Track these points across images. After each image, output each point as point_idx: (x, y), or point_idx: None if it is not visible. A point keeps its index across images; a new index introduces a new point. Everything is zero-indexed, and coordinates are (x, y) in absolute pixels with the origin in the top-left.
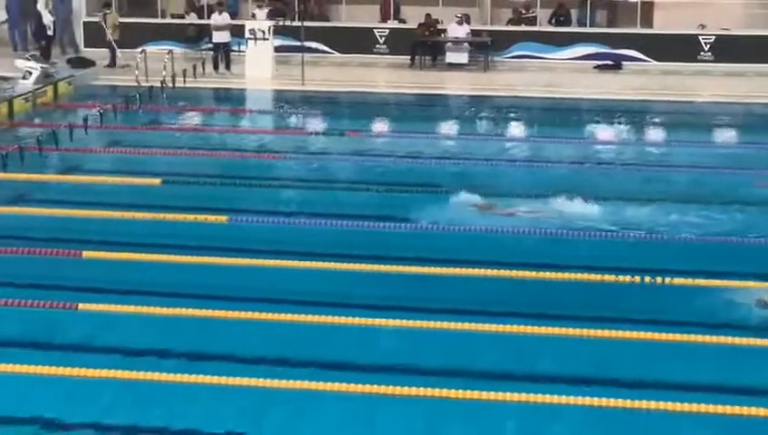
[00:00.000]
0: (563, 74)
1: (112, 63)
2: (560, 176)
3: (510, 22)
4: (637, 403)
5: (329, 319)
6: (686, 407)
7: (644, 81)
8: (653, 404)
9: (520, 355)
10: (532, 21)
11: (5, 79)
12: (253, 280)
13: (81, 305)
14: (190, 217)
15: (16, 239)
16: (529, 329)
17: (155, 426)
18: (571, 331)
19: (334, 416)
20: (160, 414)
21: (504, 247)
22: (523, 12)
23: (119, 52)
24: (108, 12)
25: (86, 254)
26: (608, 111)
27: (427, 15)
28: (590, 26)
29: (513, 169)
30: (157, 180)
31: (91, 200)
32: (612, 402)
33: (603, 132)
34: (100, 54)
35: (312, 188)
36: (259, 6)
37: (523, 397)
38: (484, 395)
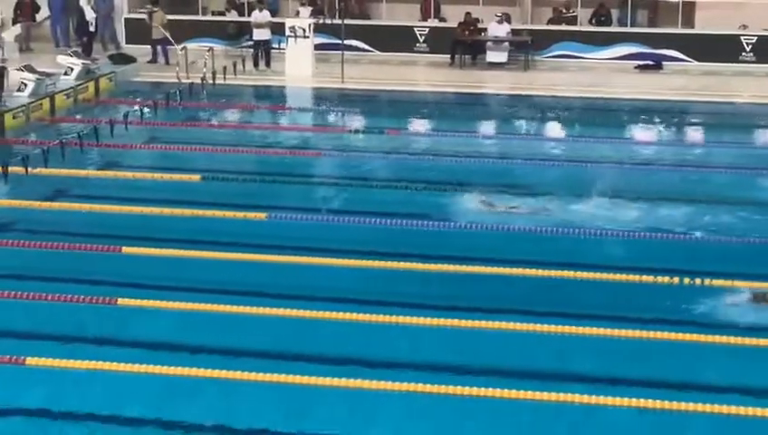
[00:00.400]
0: (603, 74)
1: (154, 60)
2: (599, 176)
3: (550, 21)
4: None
5: (366, 317)
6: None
7: (684, 81)
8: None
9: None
10: (573, 20)
11: (47, 75)
12: (291, 277)
13: (120, 300)
14: (229, 213)
15: (57, 234)
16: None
17: (191, 421)
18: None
19: (373, 413)
20: (197, 409)
21: (541, 247)
22: (564, 11)
23: (174, 48)
24: (155, 10)
25: (125, 249)
26: (648, 112)
27: (467, 14)
28: (631, 26)
29: (552, 169)
30: (196, 177)
31: (130, 196)
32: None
33: (643, 133)
34: (141, 51)
35: (351, 185)
36: (303, 4)
37: (576, 398)
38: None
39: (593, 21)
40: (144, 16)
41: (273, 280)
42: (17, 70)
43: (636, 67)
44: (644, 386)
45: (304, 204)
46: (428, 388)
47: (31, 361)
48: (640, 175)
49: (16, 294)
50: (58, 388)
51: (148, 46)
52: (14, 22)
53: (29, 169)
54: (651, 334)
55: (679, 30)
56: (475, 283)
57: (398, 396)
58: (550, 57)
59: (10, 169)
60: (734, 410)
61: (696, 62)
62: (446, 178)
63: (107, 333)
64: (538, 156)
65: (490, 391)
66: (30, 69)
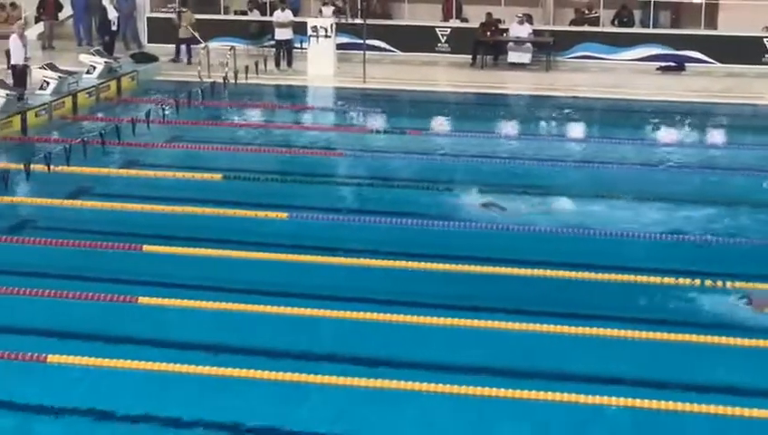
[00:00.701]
0: (626, 75)
1: (177, 59)
2: (620, 177)
3: (572, 22)
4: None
5: (387, 317)
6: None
7: (707, 83)
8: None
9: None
10: (595, 21)
11: (70, 73)
12: (311, 277)
13: (140, 299)
14: (250, 213)
15: (78, 232)
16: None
17: (210, 419)
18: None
19: (403, 413)
20: (216, 408)
21: (567, 247)
22: (586, 12)
23: (199, 47)
24: (184, 10)
25: (147, 248)
26: (670, 113)
27: (488, 15)
28: (653, 27)
29: (573, 170)
30: (218, 176)
31: (152, 195)
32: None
33: (665, 134)
34: (163, 50)
35: (372, 185)
36: (325, 3)
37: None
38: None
39: (615, 22)
40: (171, 16)
41: (294, 279)
42: (40, 68)
43: (658, 68)
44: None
45: (325, 204)
46: (460, 389)
47: (52, 358)
48: (662, 176)
49: (38, 291)
50: (79, 385)
51: (171, 45)
52: (37, 20)
53: (51, 167)
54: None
55: (702, 31)
56: (497, 283)
57: (422, 396)
58: (572, 58)
59: (32, 166)
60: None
61: (719, 64)
62: (468, 179)
63: (127, 331)
64: (558, 157)
65: (523, 393)
66: (52, 67)
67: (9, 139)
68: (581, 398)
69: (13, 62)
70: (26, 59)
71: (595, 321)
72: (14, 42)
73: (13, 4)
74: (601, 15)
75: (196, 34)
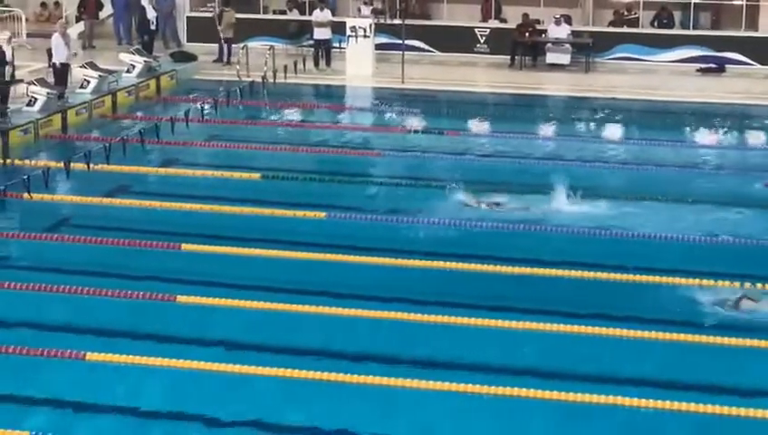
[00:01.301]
0: (665, 77)
1: (221, 59)
2: (659, 179)
3: (612, 23)
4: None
5: (425, 317)
6: None
7: (747, 84)
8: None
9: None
10: (635, 23)
11: (110, 72)
12: (349, 276)
13: (179, 297)
14: (288, 212)
15: (117, 230)
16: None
17: (247, 418)
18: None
19: (432, 413)
20: (253, 407)
21: (605, 249)
22: (626, 13)
23: (233, 48)
24: (226, 9)
25: (185, 246)
26: (709, 115)
27: (524, 15)
28: (694, 29)
29: (610, 171)
30: (256, 175)
31: (190, 193)
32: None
33: (704, 136)
34: (202, 49)
35: (410, 185)
36: (365, 3)
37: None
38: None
39: (655, 23)
40: (212, 15)
41: (331, 279)
42: (80, 67)
43: (698, 70)
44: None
45: (363, 203)
46: (504, 390)
47: (91, 356)
48: (701, 178)
49: (77, 289)
50: (117, 383)
51: (210, 44)
52: (78, 19)
53: (91, 166)
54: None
55: (743, 33)
56: (538, 284)
57: (459, 396)
58: (611, 59)
59: (73, 165)
60: None
61: (760, 66)
62: (507, 180)
63: (166, 329)
64: (596, 158)
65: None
66: (93, 66)
67: (50, 137)
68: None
69: (54, 61)
70: (70, 57)
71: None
72: (56, 40)
73: (56, 3)
74: (641, 16)
75: (225, 36)
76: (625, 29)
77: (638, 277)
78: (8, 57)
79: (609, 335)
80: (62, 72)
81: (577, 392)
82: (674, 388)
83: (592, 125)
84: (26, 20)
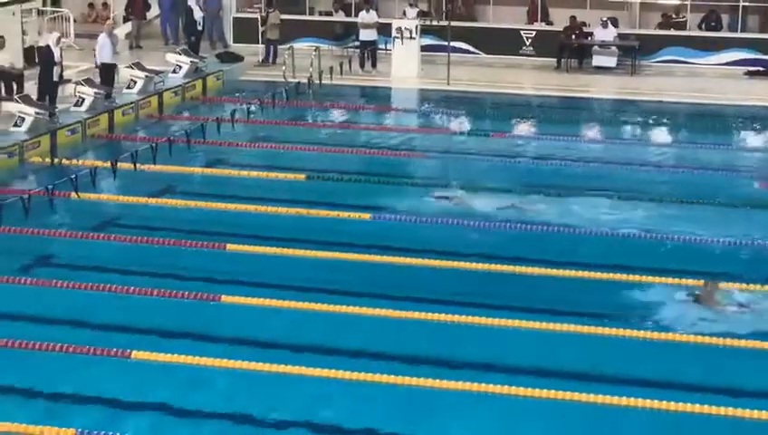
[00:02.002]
0: (713, 80)
1: (266, 60)
2: (706, 182)
3: (659, 26)
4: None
5: (466, 319)
6: None
7: None
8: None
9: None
10: (682, 25)
11: (156, 72)
12: (394, 277)
13: (224, 297)
14: (333, 213)
15: (163, 230)
16: None
17: (290, 418)
18: None
19: (475, 416)
20: (297, 406)
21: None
22: (673, 16)
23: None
24: (270, 10)
25: (230, 247)
26: (756, 119)
27: (572, 18)
28: (742, 31)
29: (656, 174)
30: (301, 176)
31: (236, 194)
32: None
33: (751, 139)
34: (248, 50)
35: (455, 187)
36: (411, 5)
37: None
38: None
39: (703, 26)
40: (258, 16)
41: (376, 280)
42: (127, 67)
43: (746, 73)
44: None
45: (408, 205)
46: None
47: (136, 354)
48: (748, 182)
49: (123, 288)
50: (162, 382)
51: (256, 45)
52: (125, 19)
53: (138, 165)
54: None
55: None
56: (575, 287)
57: (498, 398)
58: (658, 62)
59: (119, 164)
60: None
61: None
62: (552, 183)
63: (210, 329)
64: (641, 161)
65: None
66: (139, 66)
67: (97, 137)
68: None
69: (101, 61)
70: (115, 57)
71: None
72: (102, 40)
73: (104, 4)
74: (688, 19)
75: (272, 37)
76: (672, 32)
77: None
78: (57, 57)
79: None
80: (107, 73)
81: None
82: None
83: (639, 128)
84: (74, 20)
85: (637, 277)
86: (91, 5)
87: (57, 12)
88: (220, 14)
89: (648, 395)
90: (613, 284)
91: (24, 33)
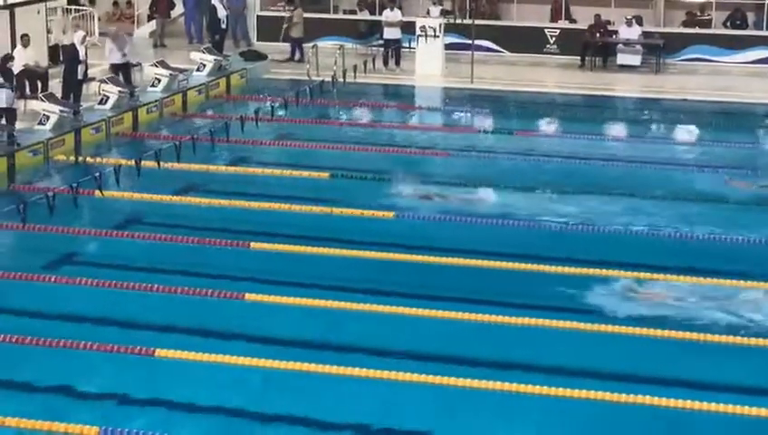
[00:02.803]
0: (738, 78)
1: (293, 58)
2: (729, 183)
3: (683, 24)
4: None
5: (492, 317)
6: None
7: None
8: None
9: None
10: (707, 23)
11: (180, 71)
12: (418, 276)
13: (247, 295)
14: (357, 211)
15: (187, 228)
16: None
17: (312, 416)
18: None
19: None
20: (319, 404)
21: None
22: (698, 14)
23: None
24: (293, 8)
25: (254, 245)
26: None
27: (597, 16)
28: (767, 29)
29: (680, 173)
30: (325, 174)
31: (259, 192)
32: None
33: None
34: (272, 48)
35: (478, 185)
36: (435, 3)
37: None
38: None
39: (728, 24)
40: (284, 14)
41: (400, 278)
42: (151, 65)
43: None
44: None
45: (431, 203)
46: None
47: (160, 352)
48: None
49: (147, 286)
50: (185, 380)
51: (280, 44)
52: (150, 18)
53: (161, 164)
54: None
55: None
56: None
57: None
58: (682, 60)
59: (143, 162)
60: None
61: None
62: (573, 181)
63: (234, 327)
64: (665, 159)
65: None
66: (164, 65)
67: (121, 135)
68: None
69: (109, 63)
70: (124, 55)
71: None
72: (108, 44)
73: (129, 2)
74: (713, 17)
75: (296, 36)
76: (697, 30)
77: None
78: (81, 56)
79: None
80: (117, 73)
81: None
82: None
83: (663, 127)
84: (99, 19)
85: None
86: (115, 4)
87: (82, 10)
88: (244, 13)
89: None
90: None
91: (48, 31)
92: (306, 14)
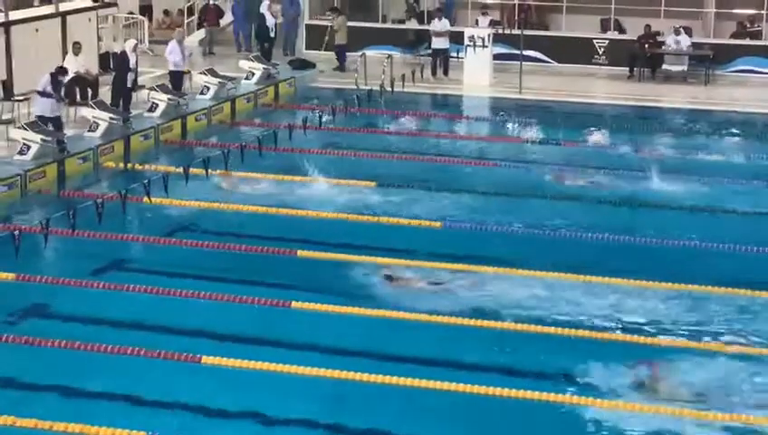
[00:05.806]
0: None
1: (342, 66)
2: None
3: (733, 35)
4: None
5: (537, 328)
6: None
7: None
8: None
9: None
10: (757, 35)
11: (229, 79)
12: None
13: (294, 303)
14: (404, 220)
15: (234, 236)
16: None
17: (358, 425)
18: None
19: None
20: (365, 413)
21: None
22: (748, 25)
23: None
24: (333, 16)
25: (301, 253)
26: None
27: (647, 27)
28: None
29: (730, 186)
30: (372, 183)
31: (307, 200)
32: None
33: None
34: (320, 57)
35: (527, 196)
36: (483, 13)
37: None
38: None
39: None
40: (328, 23)
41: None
42: (200, 73)
43: None
44: None
45: (479, 213)
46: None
47: (206, 359)
48: None
49: (194, 293)
50: (231, 387)
51: (327, 52)
52: (199, 26)
53: (209, 171)
54: None
55: None
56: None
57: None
58: (732, 72)
59: (191, 170)
60: None
61: None
62: (624, 193)
63: (280, 335)
64: (712, 173)
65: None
66: (212, 73)
67: (170, 142)
68: None
69: (170, 69)
70: (183, 64)
71: None
72: (171, 47)
73: (180, 11)
74: (764, 29)
75: (341, 43)
76: (747, 41)
77: None
78: (132, 64)
79: None
80: (176, 80)
81: None
82: None
83: (711, 139)
84: (149, 27)
85: None
86: (166, 12)
87: (133, 18)
88: (297, 21)
89: None
90: None
91: (99, 39)
92: (355, 24)
